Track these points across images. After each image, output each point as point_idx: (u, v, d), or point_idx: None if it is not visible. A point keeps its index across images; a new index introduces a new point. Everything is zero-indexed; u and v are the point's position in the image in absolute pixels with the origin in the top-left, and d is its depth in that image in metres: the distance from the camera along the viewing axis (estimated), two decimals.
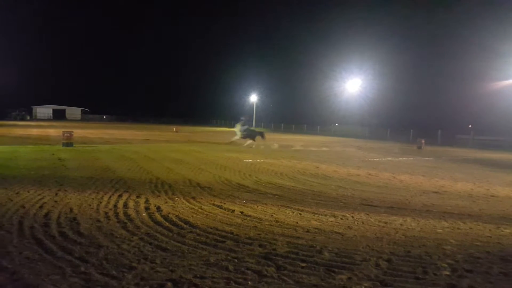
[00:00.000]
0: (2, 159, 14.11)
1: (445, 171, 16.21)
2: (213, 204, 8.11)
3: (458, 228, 7.03)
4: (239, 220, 6.92)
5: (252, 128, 26.33)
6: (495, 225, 7.35)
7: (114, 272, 4.43)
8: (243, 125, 26.25)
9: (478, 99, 59.31)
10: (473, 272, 4.85)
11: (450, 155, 25.40)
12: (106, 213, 7.07)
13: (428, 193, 10.68)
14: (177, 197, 8.66)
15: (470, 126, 53.88)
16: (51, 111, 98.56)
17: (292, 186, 10.83)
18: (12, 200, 7.70)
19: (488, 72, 50.08)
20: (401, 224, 7.12)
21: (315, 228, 6.61)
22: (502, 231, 6.99)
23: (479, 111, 59.50)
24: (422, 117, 66.71)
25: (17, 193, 8.40)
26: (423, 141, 30.53)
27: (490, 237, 6.55)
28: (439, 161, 20.94)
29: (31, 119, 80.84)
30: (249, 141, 25.73)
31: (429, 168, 16.92)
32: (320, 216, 7.53)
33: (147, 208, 7.50)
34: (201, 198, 8.65)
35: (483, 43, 52.65)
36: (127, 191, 9.01)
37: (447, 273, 4.79)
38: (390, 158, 21.21)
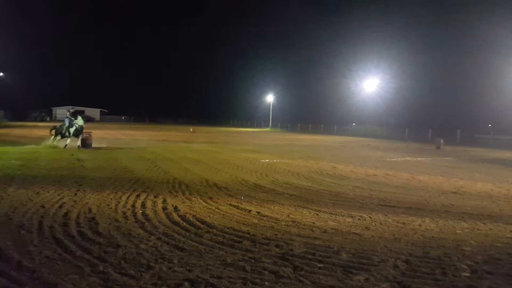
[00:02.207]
0: (23, 159, 14.34)
1: (464, 171, 15.99)
2: (230, 204, 8.13)
3: (478, 229, 6.92)
4: (255, 220, 6.92)
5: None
6: None
7: (132, 271, 4.46)
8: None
9: (498, 98, 58.34)
10: (494, 273, 4.77)
11: (470, 155, 25.05)
12: (124, 213, 7.13)
13: (447, 193, 10.55)
14: (194, 197, 8.70)
15: (489, 125, 53.10)
16: None
17: (309, 186, 10.79)
18: (32, 200, 7.82)
19: (508, 70, 49.24)
20: (419, 225, 7.05)
21: (332, 229, 6.58)
22: None
23: (499, 110, 58.54)
24: (440, 116, 65.95)
25: (37, 193, 8.53)
26: (441, 141, 30.21)
27: (511, 238, 6.44)
28: (458, 161, 20.67)
29: (51, 120, 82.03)
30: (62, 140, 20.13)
31: (448, 168, 16.71)
32: (337, 216, 7.49)
33: (164, 208, 7.55)
34: (218, 198, 8.68)
35: (503, 40, 51.77)
36: (145, 191, 9.08)
37: (467, 274, 4.72)
38: (408, 158, 21.01)
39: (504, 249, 5.77)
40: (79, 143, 19.73)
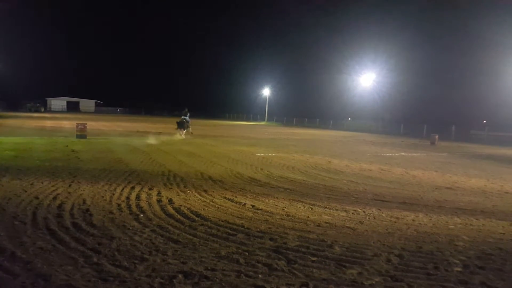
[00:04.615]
0: (17, 150, 14.29)
1: (458, 167, 16.06)
2: (225, 197, 8.14)
3: (471, 225, 6.97)
4: (250, 214, 6.94)
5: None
6: (509, 222, 7.28)
7: (126, 263, 4.47)
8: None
9: (493, 94, 58.57)
10: (486, 268, 4.81)
11: (464, 151, 25.15)
12: (118, 205, 7.13)
13: (441, 188, 10.60)
14: (189, 190, 8.70)
15: (484, 121, 53.31)
16: (65, 103, 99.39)
17: (304, 180, 10.81)
18: (26, 191, 7.80)
19: (503, 67, 49.38)
20: (413, 220, 7.08)
21: (326, 223, 6.60)
22: None
23: (494, 107, 58.78)
24: (436, 112, 66.08)
25: (31, 184, 8.50)
26: (436, 137, 30.24)
27: (503, 233, 6.49)
28: (453, 156, 20.75)
29: (46, 111, 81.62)
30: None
31: (442, 164, 16.78)
32: (331, 210, 7.52)
33: (159, 201, 7.55)
34: (213, 191, 8.68)
35: (499, 38, 51.87)
36: (139, 184, 9.08)
37: (459, 269, 4.75)
38: (403, 154, 21.07)
39: (496, 245, 5.81)
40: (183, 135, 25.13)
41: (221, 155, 15.77)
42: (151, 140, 21.10)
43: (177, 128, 25.36)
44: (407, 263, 4.86)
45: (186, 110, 26.07)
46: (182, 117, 25.80)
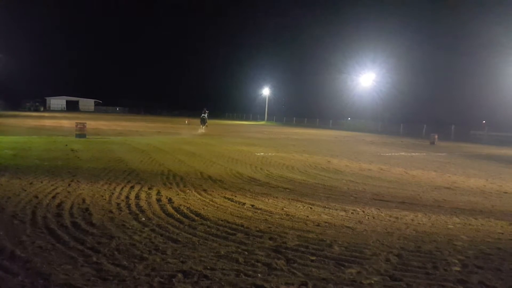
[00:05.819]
0: (17, 149, 14.28)
1: (457, 166, 16.07)
2: (224, 197, 8.14)
3: (470, 224, 6.98)
4: (249, 213, 6.94)
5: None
6: (507, 222, 7.29)
7: (125, 262, 4.47)
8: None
9: (493, 94, 58.53)
10: (484, 268, 4.81)
11: (463, 151, 25.16)
12: (118, 204, 7.13)
13: (440, 188, 10.60)
14: (189, 189, 8.70)
15: (484, 121, 53.25)
16: (64, 102, 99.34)
17: (303, 180, 10.81)
18: (25, 190, 7.80)
19: (503, 67, 49.36)
20: (412, 219, 7.09)
21: (326, 222, 6.61)
22: None
23: (494, 107, 58.72)
24: (435, 112, 66.04)
25: (30, 183, 8.50)
26: (436, 136, 30.27)
27: (502, 233, 6.50)
28: (452, 156, 20.76)
29: (45, 110, 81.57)
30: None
31: (441, 164, 16.79)
32: (330, 210, 7.52)
33: (158, 200, 7.55)
34: (212, 191, 8.68)
35: (499, 38, 51.85)
36: (139, 183, 9.08)
37: (458, 269, 4.76)
38: (403, 153, 21.08)
39: (494, 244, 5.82)
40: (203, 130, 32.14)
41: (221, 155, 15.78)
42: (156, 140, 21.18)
43: (201, 125, 32.48)
44: (406, 263, 4.87)
45: (205, 109, 32.50)
46: (202, 115, 32.11)
